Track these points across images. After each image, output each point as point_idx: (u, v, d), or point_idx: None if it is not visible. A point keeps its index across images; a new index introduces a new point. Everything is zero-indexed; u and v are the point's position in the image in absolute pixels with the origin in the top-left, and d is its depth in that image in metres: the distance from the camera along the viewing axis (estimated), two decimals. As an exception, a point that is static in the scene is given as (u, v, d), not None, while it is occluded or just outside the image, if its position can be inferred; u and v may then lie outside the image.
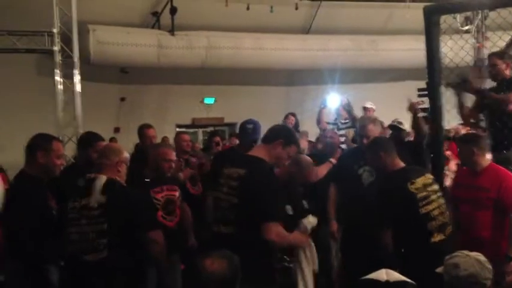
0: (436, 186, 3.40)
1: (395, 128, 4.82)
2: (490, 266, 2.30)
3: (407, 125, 4.69)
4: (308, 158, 3.99)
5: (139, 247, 2.84)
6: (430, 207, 3.28)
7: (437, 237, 3.26)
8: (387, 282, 1.73)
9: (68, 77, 7.40)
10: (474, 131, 4.51)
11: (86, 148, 3.82)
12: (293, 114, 6.70)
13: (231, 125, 12.56)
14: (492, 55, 4.43)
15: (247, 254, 2.87)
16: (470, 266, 2.25)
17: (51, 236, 3.11)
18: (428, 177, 3.43)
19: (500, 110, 4.13)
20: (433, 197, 3.32)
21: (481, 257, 2.32)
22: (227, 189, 3.01)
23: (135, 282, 2.85)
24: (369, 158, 3.65)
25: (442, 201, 3.36)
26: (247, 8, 10.48)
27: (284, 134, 3.14)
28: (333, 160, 4.57)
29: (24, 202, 3.04)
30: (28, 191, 3.09)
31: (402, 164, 3.46)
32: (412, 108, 4.33)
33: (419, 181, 3.33)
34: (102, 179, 2.88)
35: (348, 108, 6.02)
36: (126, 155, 3.11)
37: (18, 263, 3.04)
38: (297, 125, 6.62)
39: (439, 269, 2.31)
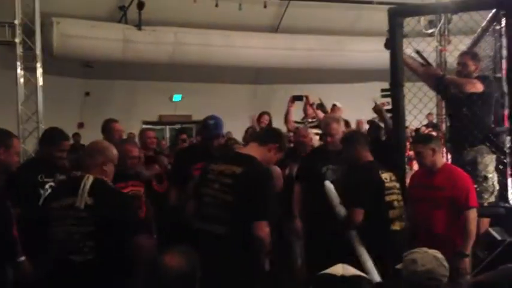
0: (397, 184, 3.73)
1: (374, 124, 4.88)
2: (446, 264, 2.38)
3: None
4: (278, 169, 4.06)
5: (127, 249, 2.75)
6: (393, 197, 3.62)
7: (396, 226, 3.57)
8: (343, 276, 1.76)
9: (30, 70, 7.21)
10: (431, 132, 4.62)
11: (49, 146, 3.72)
12: (267, 113, 6.67)
13: (199, 123, 12.48)
14: (464, 54, 4.42)
15: (239, 254, 2.91)
16: (428, 262, 2.33)
17: (7, 235, 2.99)
18: (393, 174, 3.74)
19: (457, 97, 4.18)
20: (395, 190, 3.66)
21: (438, 254, 2.39)
22: (219, 186, 2.99)
23: (122, 283, 2.76)
24: (344, 151, 3.80)
25: (400, 197, 3.69)
26: (216, 5, 10.45)
27: (281, 140, 3.21)
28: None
29: None
30: None
31: (372, 158, 3.74)
32: (377, 108, 4.39)
33: (386, 174, 3.68)
34: (89, 179, 2.76)
35: (322, 108, 6.06)
36: (114, 152, 3.01)
37: None
38: (270, 125, 6.62)
39: (399, 266, 2.37)
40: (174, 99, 12.28)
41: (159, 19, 10.36)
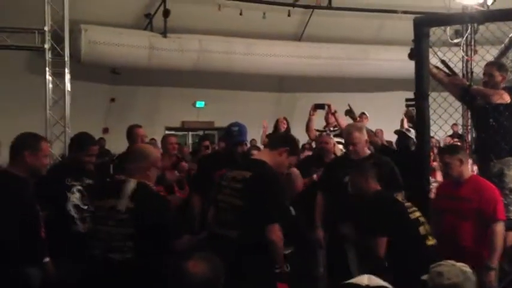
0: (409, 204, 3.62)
1: (402, 134, 4.83)
2: (474, 278, 2.33)
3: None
4: (297, 171, 4.06)
5: (165, 252, 2.79)
6: (416, 214, 3.49)
7: (431, 241, 3.43)
8: (367, 286, 1.75)
9: (58, 75, 7.35)
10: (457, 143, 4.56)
11: (78, 151, 3.80)
12: (285, 119, 6.71)
13: (221, 129, 12.56)
14: (491, 64, 4.35)
15: (250, 257, 2.93)
16: (454, 276, 2.27)
17: (35, 237, 3.06)
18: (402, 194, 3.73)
19: (483, 107, 4.11)
20: (414, 208, 3.54)
21: (466, 268, 2.34)
22: (230, 191, 3.04)
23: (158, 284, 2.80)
24: (355, 181, 3.69)
25: (421, 214, 3.55)
26: (240, 13, 10.54)
27: (291, 144, 3.23)
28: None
29: (8, 204, 2.95)
30: (12, 192, 3.01)
31: (379, 187, 3.63)
32: (409, 114, 4.34)
33: (399, 196, 3.65)
34: (132, 183, 2.82)
35: (350, 114, 6.02)
36: (156, 155, 3.06)
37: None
38: (288, 130, 6.63)
39: (425, 276, 2.34)
40: (197, 106, 12.38)
41: (184, 27, 10.49)
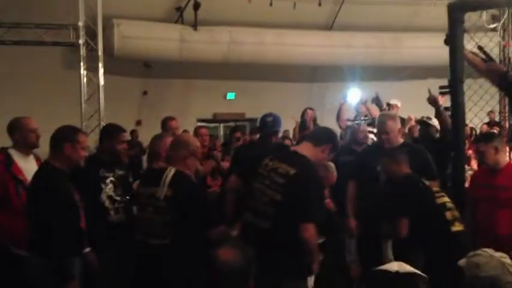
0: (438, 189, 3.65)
1: (423, 123, 4.78)
2: None
3: (436, 122, 4.64)
4: (332, 165, 4.08)
5: (201, 239, 2.84)
6: (444, 199, 3.51)
7: (458, 227, 3.41)
8: (397, 273, 1.74)
9: (92, 70, 7.51)
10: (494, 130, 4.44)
11: (109, 139, 3.89)
12: (311, 109, 6.66)
13: (252, 121, 12.59)
14: None
15: (282, 249, 2.96)
16: (492, 268, 2.19)
17: (75, 228, 3.16)
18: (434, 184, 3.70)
19: None
20: (443, 193, 3.57)
21: (506, 259, 2.25)
22: (270, 183, 3.04)
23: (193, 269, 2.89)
24: (388, 166, 3.70)
25: (450, 200, 3.56)
26: (270, 4, 10.48)
27: (334, 140, 3.26)
28: None
29: (49, 196, 3.04)
30: (53, 184, 3.10)
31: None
32: (432, 99, 4.27)
33: (427, 182, 3.63)
34: (171, 171, 2.92)
35: (377, 102, 5.96)
36: (196, 144, 3.12)
37: (40, 257, 3.08)
38: (315, 120, 6.59)
39: (461, 262, 2.28)
40: (228, 98, 12.43)
41: (214, 19, 10.51)
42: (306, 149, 3.18)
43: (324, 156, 3.20)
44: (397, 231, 3.48)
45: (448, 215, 3.42)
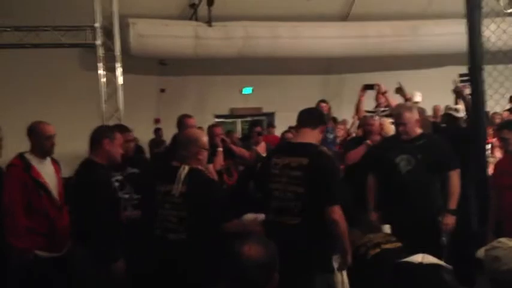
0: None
1: (449, 116, 4.75)
2: None
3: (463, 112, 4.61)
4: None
5: (217, 234, 2.93)
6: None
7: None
8: (420, 264, 1.73)
9: (109, 69, 7.58)
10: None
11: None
12: (325, 101, 6.63)
13: (269, 115, 12.58)
14: None
15: (313, 243, 2.98)
16: None
17: (116, 219, 3.31)
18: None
19: None
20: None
21: None
22: (288, 179, 3.07)
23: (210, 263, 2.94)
24: None
25: None
26: (284, -3, 10.44)
27: (324, 120, 3.27)
28: (369, 142, 4.65)
29: (92, 188, 3.22)
30: (95, 177, 3.28)
31: None
32: (458, 90, 4.23)
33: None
34: (185, 169, 3.00)
35: (400, 92, 5.90)
36: (205, 139, 3.19)
37: (87, 251, 3.22)
38: (329, 112, 6.55)
39: (480, 254, 2.25)
40: (244, 92, 12.44)
41: (229, 14, 10.50)
42: (307, 136, 3.21)
43: (321, 137, 3.29)
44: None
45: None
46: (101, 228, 3.14)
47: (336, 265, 3.13)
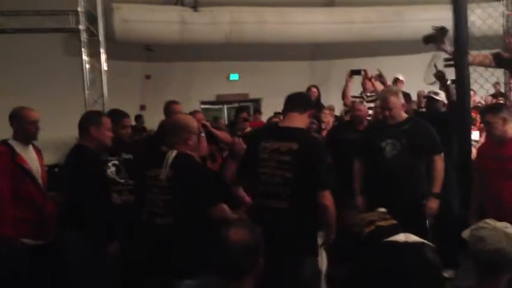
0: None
1: (430, 98, 4.79)
2: None
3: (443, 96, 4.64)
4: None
5: (203, 218, 2.92)
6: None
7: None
8: (405, 242, 1.75)
9: (93, 55, 7.47)
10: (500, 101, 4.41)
11: (112, 125, 3.91)
12: (315, 87, 6.63)
13: (256, 101, 12.55)
14: None
15: (301, 227, 3.00)
16: (497, 240, 2.15)
17: (107, 202, 3.35)
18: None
19: None
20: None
21: (509, 228, 2.21)
22: (276, 164, 3.07)
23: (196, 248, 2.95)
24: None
25: None
26: (271, -18, 10.36)
27: (312, 104, 3.27)
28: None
29: (88, 173, 3.28)
30: (86, 160, 3.33)
31: None
32: (440, 74, 4.25)
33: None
34: (173, 153, 3.00)
35: (380, 79, 5.93)
36: (195, 124, 3.16)
37: (79, 233, 3.22)
38: (319, 98, 6.55)
39: (465, 234, 2.27)
40: (231, 79, 12.37)
41: (215, -1, 10.41)
42: (295, 121, 3.20)
43: (308, 121, 3.32)
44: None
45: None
46: (93, 210, 3.17)
47: (320, 241, 3.15)
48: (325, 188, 3.00)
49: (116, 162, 3.79)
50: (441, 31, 4.11)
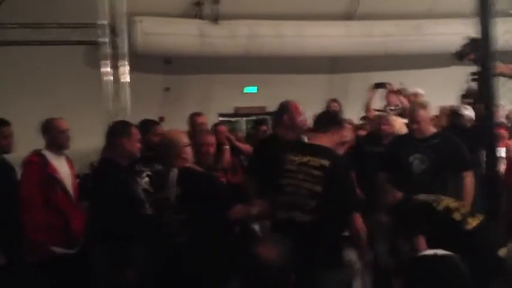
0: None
1: (453, 113, 4.75)
2: None
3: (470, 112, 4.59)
4: None
5: (221, 224, 2.93)
6: (444, 202, 3.39)
7: (474, 222, 3.28)
8: (435, 254, 1.75)
9: (115, 68, 7.56)
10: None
11: (144, 133, 3.96)
12: (335, 100, 6.61)
13: (274, 114, 12.53)
14: None
15: (325, 241, 2.99)
16: None
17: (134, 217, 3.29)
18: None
19: None
20: (441, 198, 3.46)
21: None
22: (304, 177, 3.06)
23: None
24: None
25: None
26: (290, -5, 10.41)
27: (335, 121, 3.23)
28: None
29: (113, 188, 3.23)
30: (115, 176, 3.29)
31: None
32: (473, 92, 4.22)
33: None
34: (174, 172, 2.98)
35: (405, 93, 5.91)
36: (183, 139, 3.17)
37: (104, 246, 3.23)
38: (341, 112, 6.53)
39: (502, 252, 2.24)
40: (249, 91, 12.40)
41: (234, 12, 10.47)
42: (323, 140, 3.21)
43: (335, 140, 3.30)
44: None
45: (456, 216, 3.23)
46: (115, 229, 3.13)
47: (352, 257, 3.15)
48: (355, 211, 3.05)
49: (149, 173, 3.79)
50: (474, 42, 4.04)
